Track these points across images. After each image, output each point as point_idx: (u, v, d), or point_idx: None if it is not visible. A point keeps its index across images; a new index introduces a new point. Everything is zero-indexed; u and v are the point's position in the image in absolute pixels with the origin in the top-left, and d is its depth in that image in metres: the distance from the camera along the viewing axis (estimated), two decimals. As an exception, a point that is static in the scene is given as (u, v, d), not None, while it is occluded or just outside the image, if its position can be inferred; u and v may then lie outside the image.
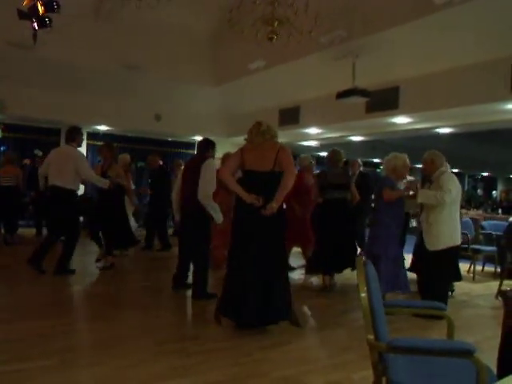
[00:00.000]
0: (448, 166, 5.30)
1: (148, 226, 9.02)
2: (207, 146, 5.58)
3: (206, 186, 5.13)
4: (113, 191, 6.58)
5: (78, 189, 6.47)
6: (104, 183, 6.35)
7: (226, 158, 6.24)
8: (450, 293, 5.75)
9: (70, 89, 10.30)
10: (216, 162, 5.66)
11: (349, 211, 6.12)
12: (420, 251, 5.26)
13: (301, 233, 6.75)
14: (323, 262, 6.00)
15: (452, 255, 5.00)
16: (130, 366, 3.29)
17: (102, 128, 12.08)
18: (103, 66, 9.88)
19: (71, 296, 5.47)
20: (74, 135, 6.33)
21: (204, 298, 5.20)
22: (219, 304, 4.35)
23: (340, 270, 6.18)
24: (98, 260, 6.97)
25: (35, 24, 5.60)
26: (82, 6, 8.59)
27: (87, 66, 9.72)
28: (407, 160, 5.55)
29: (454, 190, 4.84)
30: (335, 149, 6.50)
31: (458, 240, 4.99)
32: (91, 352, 3.56)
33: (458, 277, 5.95)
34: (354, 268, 5.95)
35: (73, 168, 6.08)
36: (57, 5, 5.55)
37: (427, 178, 5.42)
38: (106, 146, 7.10)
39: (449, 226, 4.91)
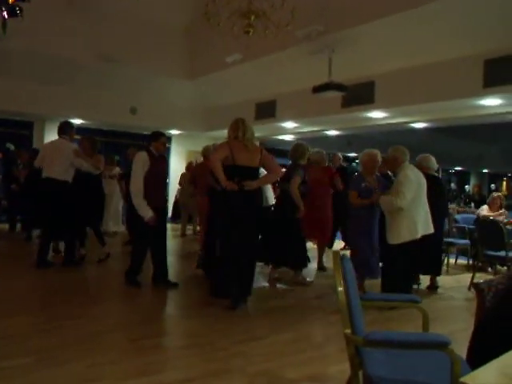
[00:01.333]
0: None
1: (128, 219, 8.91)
2: (150, 139, 5.59)
3: (132, 182, 5.39)
4: (84, 181, 6.53)
5: (71, 180, 6.44)
6: (96, 168, 6.53)
7: (213, 149, 6.12)
8: (416, 286, 5.90)
9: (43, 80, 10.08)
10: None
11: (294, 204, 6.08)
12: (383, 244, 5.37)
13: (317, 228, 6.65)
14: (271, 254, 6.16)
15: (412, 249, 5.01)
16: (107, 363, 3.25)
17: (77, 121, 11.86)
18: (77, 57, 9.67)
19: (48, 293, 5.37)
20: (66, 129, 6.54)
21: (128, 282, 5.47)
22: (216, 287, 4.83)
23: (287, 265, 6.24)
24: (100, 260, 6.87)
25: (5, 13, 5.46)
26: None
27: (61, 57, 9.50)
28: (376, 156, 5.63)
29: (408, 192, 4.90)
30: (296, 142, 6.68)
31: (417, 234, 4.99)
32: (68, 349, 3.49)
33: (434, 270, 6.08)
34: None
35: (66, 160, 6.26)
36: (27, -6, 5.41)
37: (394, 174, 5.55)
38: (86, 138, 7.10)
39: (408, 221, 4.97)
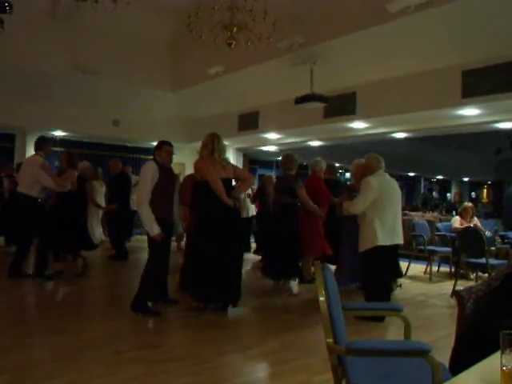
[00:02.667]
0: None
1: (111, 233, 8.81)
2: (155, 148, 5.22)
3: (137, 194, 5.23)
4: (66, 195, 6.42)
5: (41, 196, 6.38)
6: (63, 185, 6.29)
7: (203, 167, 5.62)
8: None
9: (25, 93, 10.02)
10: (173, 167, 5.56)
11: (294, 217, 6.19)
12: None
13: (309, 240, 6.45)
14: (272, 266, 6.25)
15: (380, 256, 5.05)
16: (89, 379, 3.19)
17: (59, 133, 11.79)
18: (59, 69, 9.65)
19: (27, 307, 5.30)
20: (40, 144, 6.49)
21: (141, 311, 4.88)
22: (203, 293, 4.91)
23: (286, 277, 6.30)
24: (78, 275, 6.65)
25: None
26: (37, 7, 8.40)
27: (43, 69, 9.47)
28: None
29: (363, 199, 5.04)
30: (287, 153, 6.64)
31: (383, 240, 5.01)
32: (47, 365, 3.43)
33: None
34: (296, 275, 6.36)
35: (31, 175, 6.22)
36: (9, 6, 5.42)
37: None
38: (63, 152, 7.18)
39: (369, 229, 5.05)
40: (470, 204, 8.26)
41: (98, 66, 9.60)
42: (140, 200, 4.85)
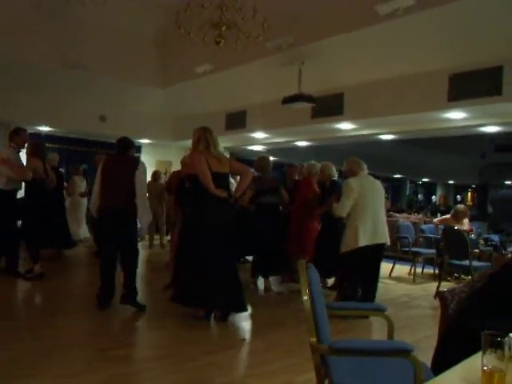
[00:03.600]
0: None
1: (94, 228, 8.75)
2: (130, 145, 5.36)
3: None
4: (35, 187, 6.25)
5: (14, 188, 6.19)
6: (22, 174, 6.10)
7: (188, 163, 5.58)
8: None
9: (10, 87, 9.88)
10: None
11: (279, 216, 6.34)
12: None
13: (304, 242, 6.49)
14: (259, 265, 6.38)
15: (360, 257, 5.14)
16: (71, 376, 3.17)
17: (45, 129, 11.66)
18: (46, 63, 9.54)
19: (8, 305, 5.23)
20: (11, 135, 6.35)
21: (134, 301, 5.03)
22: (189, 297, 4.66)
23: (271, 273, 6.45)
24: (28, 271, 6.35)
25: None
26: (24, 0, 8.29)
27: (29, 63, 9.35)
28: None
29: (345, 201, 5.15)
30: (263, 155, 6.84)
31: (358, 243, 5.07)
32: (28, 363, 3.39)
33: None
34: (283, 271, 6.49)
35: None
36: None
37: None
38: (29, 143, 6.71)
39: (351, 230, 5.15)
40: (462, 206, 8.08)
41: (86, 60, 9.51)
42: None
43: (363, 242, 5.09)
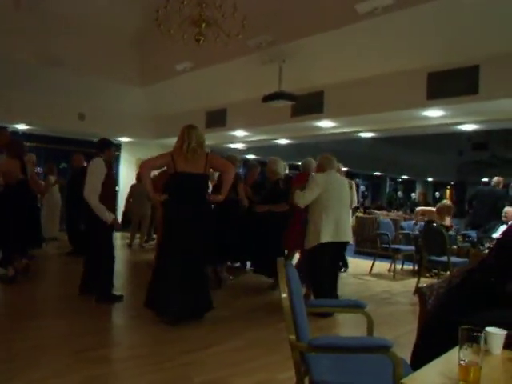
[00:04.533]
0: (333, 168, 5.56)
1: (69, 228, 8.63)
2: (103, 146, 5.47)
3: (89, 191, 5.09)
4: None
5: None
6: None
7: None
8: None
9: (-15, 84, 9.71)
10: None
11: (235, 211, 6.44)
12: None
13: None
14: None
15: (324, 253, 5.20)
16: (46, 378, 3.12)
17: (22, 127, 11.47)
18: (23, 60, 9.36)
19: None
20: None
21: (109, 300, 5.17)
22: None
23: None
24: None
25: None
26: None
27: (6, 59, 9.17)
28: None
29: (308, 193, 5.19)
30: (232, 154, 7.08)
31: (320, 240, 5.11)
32: (4, 366, 3.31)
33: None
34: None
35: None
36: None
37: None
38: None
39: (313, 227, 5.20)
40: (448, 202, 7.94)
41: (64, 57, 9.36)
42: (90, 192, 5.06)
43: (325, 238, 5.11)
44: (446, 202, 8.12)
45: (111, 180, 5.40)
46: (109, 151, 5.43)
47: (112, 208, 5.37)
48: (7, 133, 6.36)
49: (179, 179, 4.56)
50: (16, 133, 11.60)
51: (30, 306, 5.17)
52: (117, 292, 5.42)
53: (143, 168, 4.72)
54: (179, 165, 4.53)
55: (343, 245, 5.39)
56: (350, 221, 5.46)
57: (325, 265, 5.25)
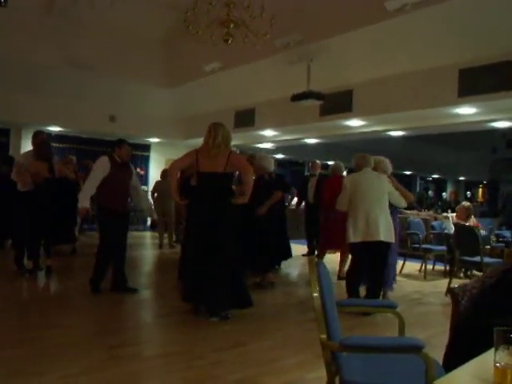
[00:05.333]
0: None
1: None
2: (113, 145, 5.78)
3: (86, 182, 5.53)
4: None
5: (24, 189, 6.21)
6: (21, 184, 6.24)
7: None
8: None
9: (21, 88, 9.97)
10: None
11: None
12: None
13: (337, 239, 6.56)
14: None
15: (354, 252, 5.33)
16: (81, 374, 3.19)
17: (55, 129, 11.74)
18: (55, 64, 9.61)
19: (16, 302, 5.27)
20: (32, 138, 6.63)
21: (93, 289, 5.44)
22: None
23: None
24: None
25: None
26: (33, 2, 8.36)
27: (39, 64, 9.42)
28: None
29: (341, 196, 5.34)
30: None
31: (353, 238, 5.16)
32: (40, 360, 3.41)
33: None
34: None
35: None
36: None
37: None
38: None
39: (349, 225, 5.23)
40: (466, 204, 8.02)
41: (95, 61, 9.57)
42: (86, 180, 5.58)
43: (354, 238, 5.13)
44: (464, 203, 8.06)
45: (118, 177, 5.50)
46: (119, 149, 5.62)
47: (122, 205, 5.56)
48: (43, 136, 6.56)
49: (201, 178, 4.71)
50: (49, 134, 11.87)
51: (59, 302, 5.31)
52: (133, 286, 5.63)
53: (172, 169, 4.87)
54: (202, 164, 4.65)
55: (376, 244, 5.16)
56: (388, 220, 5.24)
57: (358, 265, 5.24)
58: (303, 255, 8.99)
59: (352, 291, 5.19)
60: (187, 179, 5.81)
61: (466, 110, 7.26)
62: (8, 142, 11.87)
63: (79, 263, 7.78)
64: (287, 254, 6.93)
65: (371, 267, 5.24)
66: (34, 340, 3.87)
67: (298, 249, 9.20)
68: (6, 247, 8.28)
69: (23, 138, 11.74)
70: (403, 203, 5.48)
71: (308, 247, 9.14)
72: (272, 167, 6.57)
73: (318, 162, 9.16)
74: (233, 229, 4.76)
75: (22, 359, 3.42)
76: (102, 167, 5.46)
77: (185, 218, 6.07)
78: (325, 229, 7.12)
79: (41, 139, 6.50)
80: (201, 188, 4.73)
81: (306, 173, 8.49)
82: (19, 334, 3.99)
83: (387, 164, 5.87)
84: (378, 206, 5.18)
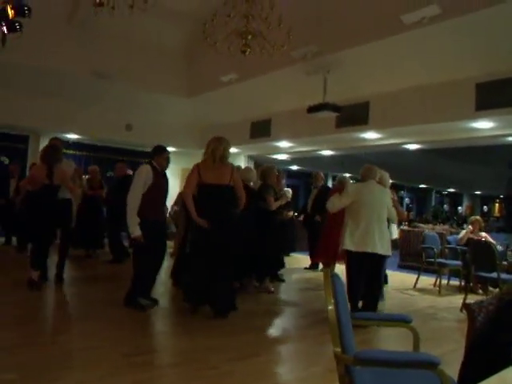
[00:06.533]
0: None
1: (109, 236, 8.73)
2: (153, 152, 5.43)
3: (129, 196, 5.11)
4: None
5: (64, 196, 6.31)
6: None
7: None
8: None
9: (40, 95, 10.13)
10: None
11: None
12: None
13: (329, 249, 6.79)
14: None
15: (352, 261, 5.23)
16: (92, 381, 3.19)
17: (72, 136, 11.89)
18: (74, 73, 9.75)
19: (31, 307, 5.31)
20: None
21: (132, 306, 5.15)
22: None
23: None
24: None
25: (4, 28, 5.49)
26: (54, 11, 8.51)
27: (58, 72, 9.57)
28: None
29: (337, 201, 5.32)
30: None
31: (350, 246, 5.14)
32: (55, 365, 3.43)
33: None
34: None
35: None
36: (28, 10, 5.47)
37: None
38: None
39: (344, 232, 5.23)
40: (477, 217, 8.24)
41: (113, 70, 9.68)
42: (129, 197, 5.09)
43: (348, 246, 5.13)
44: (472, 217, 8.38)
45: (159, 187, 5.29)
46: (158, 158, 5.31)
47: (159, 216, 5.39)
48: (55, 142, 6.58)
49: (206, 190, 4.88)
50: (66, 142, 12.03)
51: (78, 309, 5.35)
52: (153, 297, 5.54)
53: (187, 197, 4.93)
54: (206, 176, 4.86)
55: (374, 256, 5.12)
56: (385, 233, 5.23)
57: (353, 274, 5.19)
58: (305, 268, 8.91)
59: (354, 304, 5.12)
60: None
61: (483, 125, 7.21)
62: (26, 148, 12.03)
63: (92, 272, 7.82)
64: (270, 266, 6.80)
65: (369, 279, 5.20)
66: (50, 345, 3.90)
67: (304, 261, 9.20)
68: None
69: (41, 144, 11.88)
70: (395, 220, 5.70)
71: (311, 259, 9.01)
72: (253, 179, 6.70)
73: (321, 174, 9.04)
74: (236, 235, 5.02)
75: (34, 364, 3.44)
76: (144, 177, 5.13)
77: (184, 228, 6.15)
78: (326, 239, 7.08)
79: (50, 144, 6.50)
80: (207, 199, 4.88)
81: (312, 185, 8.58)
82: (34, 339, 4.02)
83: (388, 178, 5.98)
84: (378, 218, 5.19)
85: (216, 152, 4.91)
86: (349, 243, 5.13)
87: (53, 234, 6.34)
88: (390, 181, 6.05)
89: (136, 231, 5.03)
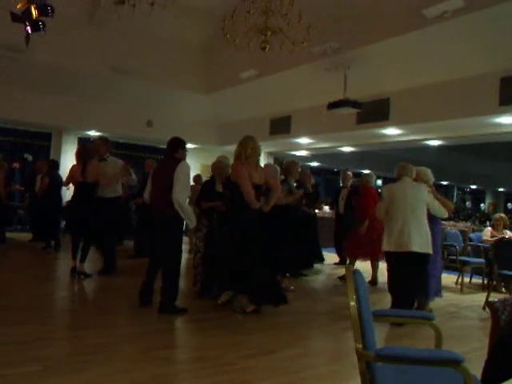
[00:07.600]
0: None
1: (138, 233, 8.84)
2: (177, 145, 5.13)
3: (181, 191, 4.79)
4: None
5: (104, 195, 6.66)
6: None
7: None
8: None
9: (62, 93, 10.28)
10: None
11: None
12: None
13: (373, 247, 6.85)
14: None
15: (390, 262, 5.30)
16: (113, 374, 3.23)
17: (93, 133, 12.02)
18: (95, 70, 9.86)
19: (53, 302, 5.40)
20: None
21: (171, 312, 4.85)
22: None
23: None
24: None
25: (28, 27, 5.58)
26: (76, 10, 8.61)
27: (79, 70, 9.70)
28: None
29: (380, 205, 5.39)
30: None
31: (387, 247, 5.19)
32: (74, 359, 3.48)
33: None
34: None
35: None
36: (51, 9, 5.54)
37: None
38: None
39: (385, 233, 5.27)
40: (502, 215, 8.07)
41: (133, 67, 9.76)
42: (180, 192, 4.78)
43: (387, 247, 5.17)
44: (499, 214, 8.16)
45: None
46: (182, 151, 5.13)
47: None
48: (86, 143, 6.81)
49: (258, 191, 5.00)
50: (88, 139, 12.16)
51: (100, 303, 5.43)
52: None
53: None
54: (253, 175, 4.93)
55: (410, 255, 5.01)
56: (424, 230, 5.09)
57: (393, 274, 5.21)
58: (335, 263, 8.94)
59: (397, 301, 5.13)
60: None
61: (508, 120, 7.08)
62: (49, 145, 12.21)
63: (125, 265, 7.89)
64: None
65: (404, 278, 5.10)
66: (72, 338, 3.97)
67: (331, 257, 9.15)
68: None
69: (64, 141, 12.08)
70: (444, 213, 5.32)
71: (338, 255, 9.05)
72: (274, 175, 6.59)
73: (349, 173, 9.02)
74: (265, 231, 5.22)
75: (56, 357, 3.50)
76: (189, 172, 5.06)
77: (205, 225, 5.91)
78: (358, 236, 7.17)
79: (81, 144, 6.73)
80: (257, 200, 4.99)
81: (341, 184, 8.63)
82: (56, 333, 4.11)
83: (428, 173, 5.73)
84: (412, 216, 5.07)
85: (258, 151, 5.07)
86: (386, 244, 5.18)
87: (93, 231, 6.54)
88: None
89: (194, 220, 5.18)
